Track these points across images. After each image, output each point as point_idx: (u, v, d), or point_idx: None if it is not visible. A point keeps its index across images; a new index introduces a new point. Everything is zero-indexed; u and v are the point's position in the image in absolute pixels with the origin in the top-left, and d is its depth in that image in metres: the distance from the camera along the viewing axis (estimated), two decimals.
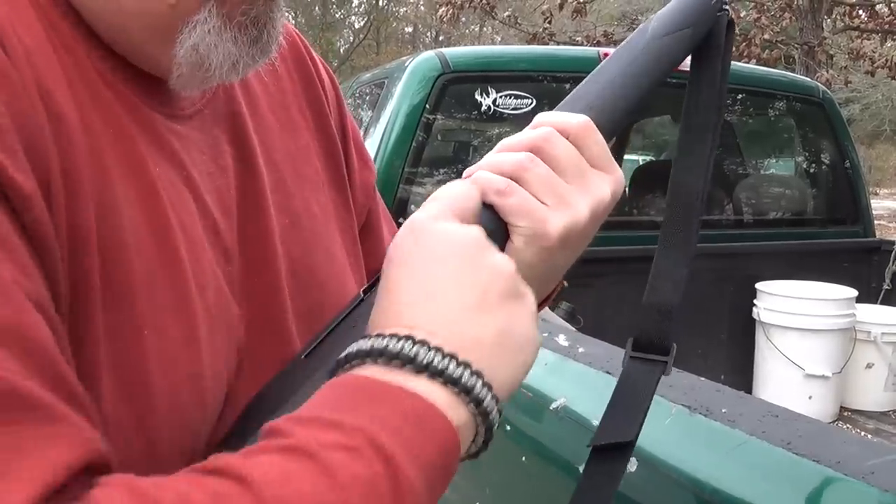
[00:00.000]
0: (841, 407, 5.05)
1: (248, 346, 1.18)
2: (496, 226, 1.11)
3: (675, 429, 1.78)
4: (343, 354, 0.96)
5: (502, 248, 1.11)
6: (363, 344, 0.94)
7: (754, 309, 5.09)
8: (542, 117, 1.17)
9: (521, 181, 1.11)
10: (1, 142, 0.87)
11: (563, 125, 1.15)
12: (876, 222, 6.11)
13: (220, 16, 1.09)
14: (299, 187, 1.36)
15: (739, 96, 5.73)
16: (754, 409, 1.77)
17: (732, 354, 5.26)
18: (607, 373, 2.17)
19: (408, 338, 0.92)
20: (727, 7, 1.32)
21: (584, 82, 1.25)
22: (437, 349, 0.92)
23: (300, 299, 1.28)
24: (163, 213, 1.08)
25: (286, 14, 1.22)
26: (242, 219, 1.24)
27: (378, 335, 0.94)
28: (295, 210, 1.33)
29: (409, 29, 55.24)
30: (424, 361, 0.91)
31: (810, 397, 4.81)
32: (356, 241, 1.48)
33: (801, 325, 4.86)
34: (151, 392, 1.00)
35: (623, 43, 1.30)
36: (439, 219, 1.02)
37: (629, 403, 1.32)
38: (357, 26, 52.97)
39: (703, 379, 1.96)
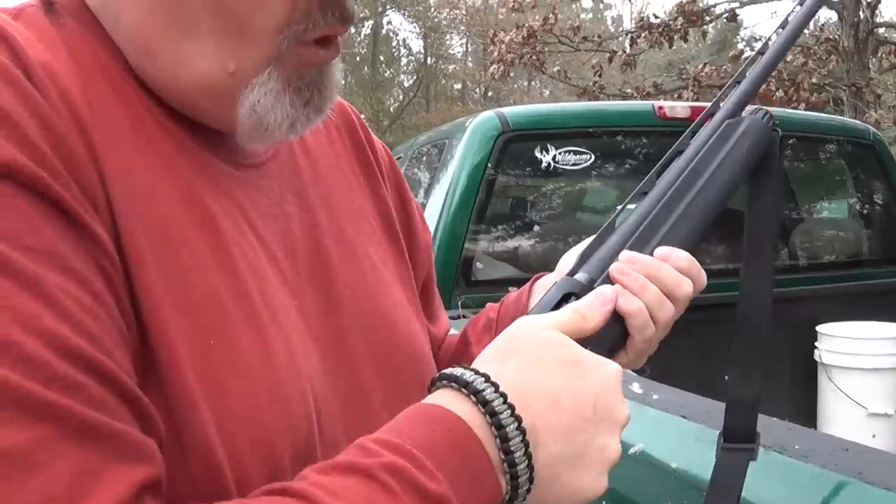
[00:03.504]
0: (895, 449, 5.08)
1: (330, 377, 1.26)
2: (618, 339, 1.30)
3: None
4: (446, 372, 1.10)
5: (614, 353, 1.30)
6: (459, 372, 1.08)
7: (815, 351, 5.12)
8: (671, 254, 1.34)
9: (652, 317, 1.31)
10: (60, 182, 0.97)
11: (683, 270, 1.34)
12: None
13: (279, 79, 1.17)
14: (359, 240, 1.44)
15: (791, 141, 5.78)
16: (825, 444, 1.85)
17: (795, 397, 5.26)
18: (682, 417, 2.25)
19: (505, 402, 1.05)
20: (778, 128, 1.46)
21: (682, 210, 1.38)
22: (517, 417, 1.04)
23: (370, 340, 1.35)
24: (222, 239, 1.16)
25: (340, 80, 1.30)
26: (305, 261, 1.32)
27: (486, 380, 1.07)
28: (358, 259, 1.41)
29: (458, 86, 55.11)
30: (492, 405, 1.04)
31: (874, 436, 4.83)
32: (416, 296, 1.58)
33: (863, 365, 4.89)
34: (226, 397, 1.06)
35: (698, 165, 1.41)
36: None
37: (724, 489, 1.49)
38: (406, 85, 53.08)
39: (774, 419, 2.05)
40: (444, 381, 1.08)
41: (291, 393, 1.14)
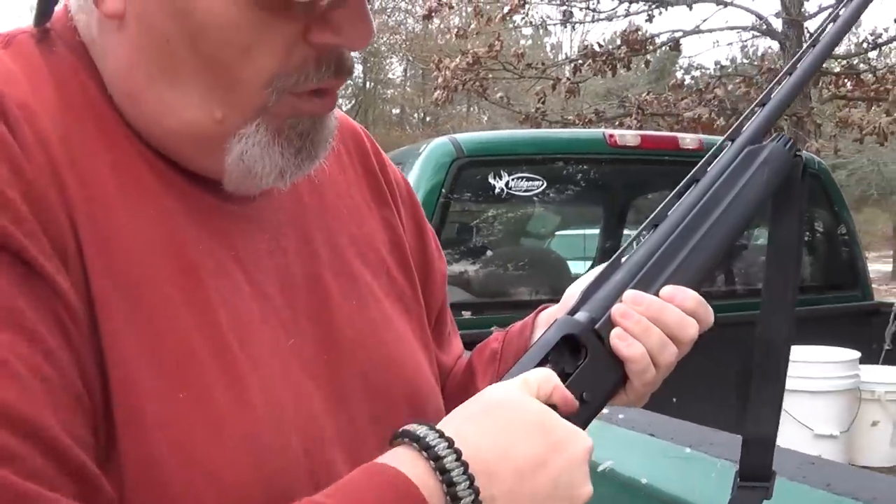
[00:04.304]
0: (849, 464, 5.15)
1: (320, 418, 1.22)
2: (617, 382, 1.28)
3: (721, 481, 1.90)
4: (402, 430, 1.08)
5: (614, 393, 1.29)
6: (418, 429, 1.06)
7: None
8: (678, 294, 1.30)
9: (653, 360, 1.28)
10: (24, 229, 0.98)
11: (689, 310, 1.31)
12: None
13: (268, 130, 1.17)
14: (363, 271, 1.41)
15: None
16: (792, 459, 1.92)
17: (743, 419, 5.28)
18: (651, 435, 2.32)
19: (458, 459, 1.03)
20: (801, 154, 1.41)
21: (694, 242, 1.33)
22: (469, 478, 1.02)
23: (368, 377, 1.32)
24: (201, 287, 1.14)
25: (335, 120, 1.29)
26: (303, 297, 1.29)
27: (441, 436, 1.05)
28: (360, 292, 1.38)
29: (397, 111, 55.07)
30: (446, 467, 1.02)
31: (820, 456, 4.91)
32: (424, 327, 1.53)
33: (808, 388, 4.96)
34: (195, 451, 1.06)
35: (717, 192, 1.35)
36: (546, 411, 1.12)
37: None
38: (345, 109, 52.78)
39: (740, 436, 2.12)
40: (406, 439, 1.06)
41: (269, 444, 1.13)
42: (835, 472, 1.80)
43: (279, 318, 1.24)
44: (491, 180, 5.01)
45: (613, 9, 19.48)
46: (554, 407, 1.14)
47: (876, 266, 36.19)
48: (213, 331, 1.13)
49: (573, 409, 1.17)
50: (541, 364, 1.21)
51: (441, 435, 1.05)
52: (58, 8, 1.21)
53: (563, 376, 1.21)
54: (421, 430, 1.06)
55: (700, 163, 1.39)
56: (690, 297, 1.30)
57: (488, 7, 19.21)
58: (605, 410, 2.48)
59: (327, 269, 1.35)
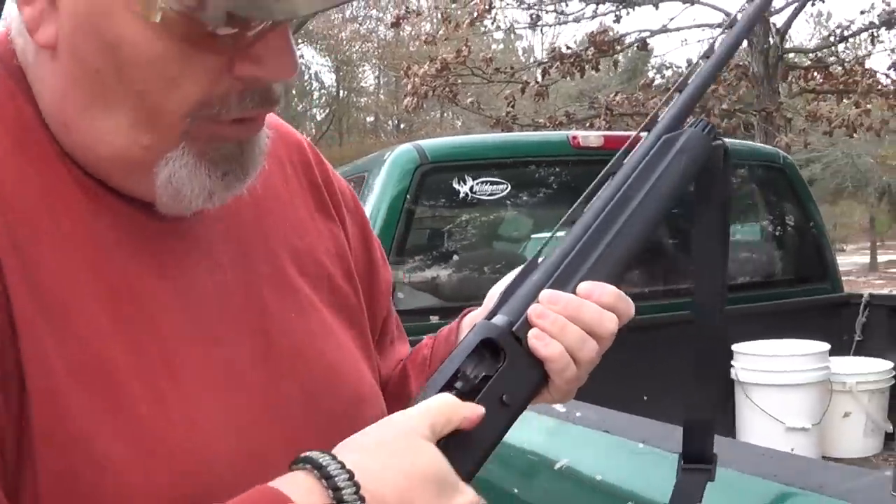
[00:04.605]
0: (823, 456, 5.14)
1: (251, 429, 1.24)
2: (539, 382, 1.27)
3: (674, 475, 1.90)
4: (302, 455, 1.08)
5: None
6: (318, 456, 1.06)
7: (732, 370, 5.18)
8: (595, 290, 1.29)
9: (573, 357, 1.26)
10: None
11: (608, 305, 1.29)
12: (845, 278, 6.27)
13: (191, 153, 1.18)
14: (302, 283, 1.42)
15: None
16: (740, 450, 1.95)
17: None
18: (605, 431, 2.33)
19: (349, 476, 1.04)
20: (721, 138, 1.38)
21: (611, 237, 1.31)
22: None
23: (307, 388, 1.33)
24: (127, 309, 1.16)
25: (266, 139, 1.29)
26: (240, 311, 1.31)
27: (337, 462, 1.05)
28: (300, 304, 1.39)
29: (371, 118, 55.10)
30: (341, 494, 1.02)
31: (792, 449, 4.91)
32: (367, 336, 1.54)
33: (779, 382, 4.97)
34: (113, 464, 1.07)
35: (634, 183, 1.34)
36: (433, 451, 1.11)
37: None
38: (319, 118, 52.91)
39: None
40: (308, 466, 1.06)
41: (194, 458, 1.15)
42: (781, 462, 1.81)
43: (213, 333, 1.26)
44: (455, 185, 5.02)
45: (581, 10, 19.56)
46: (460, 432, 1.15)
47: (853, 258, 36.47)
48: (138, 349, 1.15)
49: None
50: (457, 373, 1.21)
51: (342, 466, 1.04)
52: (2, 30, 1.23)
53: (483, 380, 1.21)
54: (324, 458, 1.06)
55: (616, 156, 1.38)
56: (608, 292, 1.29)
57: (458, 13, 19.26)
58: (560, 409, 2.52)
59: (265, 282, 1.36)
